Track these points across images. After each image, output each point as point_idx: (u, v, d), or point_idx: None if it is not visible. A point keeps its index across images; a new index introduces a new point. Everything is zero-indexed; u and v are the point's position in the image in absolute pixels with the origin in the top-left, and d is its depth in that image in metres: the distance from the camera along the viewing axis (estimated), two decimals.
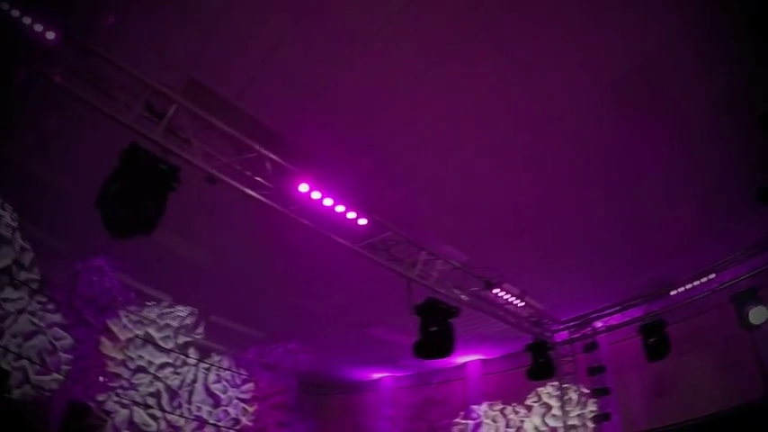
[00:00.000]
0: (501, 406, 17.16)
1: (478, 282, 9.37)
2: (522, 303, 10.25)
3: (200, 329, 20.62)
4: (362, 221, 8.18)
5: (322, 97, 8.22)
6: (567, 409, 14.77)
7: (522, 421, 16.33)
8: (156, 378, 23.27)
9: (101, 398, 22.19)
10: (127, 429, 22.09)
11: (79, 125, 9.56)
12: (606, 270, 12.13)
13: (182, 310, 19.18)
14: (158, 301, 19.00)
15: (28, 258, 20.15)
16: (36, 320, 21.45)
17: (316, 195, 7.86)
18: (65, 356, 21.69)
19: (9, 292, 21.07)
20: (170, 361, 23.59)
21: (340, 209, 8.04)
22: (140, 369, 23.06)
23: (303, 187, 7.76)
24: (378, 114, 8.46)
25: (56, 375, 21.55)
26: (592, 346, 13.04)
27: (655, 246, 11.32)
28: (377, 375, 22.30)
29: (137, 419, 22.24)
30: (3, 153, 11.97)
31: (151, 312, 20.32)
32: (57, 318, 21.61)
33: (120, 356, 22.88)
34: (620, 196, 9.78)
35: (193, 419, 23.37)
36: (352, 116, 8.52)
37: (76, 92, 6.66)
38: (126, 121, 6.72)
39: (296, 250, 11.12)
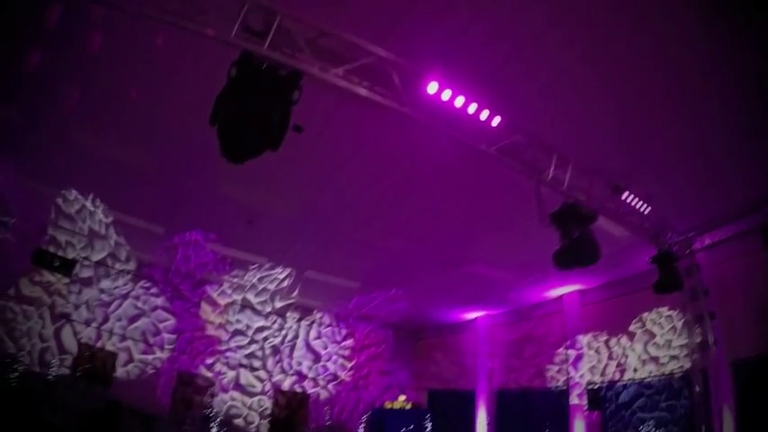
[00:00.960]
0: (602, 336, 16.60)
1: (606, 187, 8.75)
2: (648, 210, 9.47)
3: (296, 288, 20.83)
4: (496, 121, 7.62)
5: None
6: (670, 337, 14.29)
7: (625, 351, 15.71)
8: (257, 340, 23.88)
9: (208, 361, 23.11)
10: (234, 390, 22.84)
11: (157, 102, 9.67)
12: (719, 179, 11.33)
13: (279, 272, 19.26)
14: (254, 266, 19.09)
15: (123, 251, 21.13)
16: (140, 304, 22.42)
17: (446, 95, 7.31)
18: (168, 336, 22.62)
19: (111, 280, 22.25)
20: (267, 324, 24.10)
21: (472, 108, 7.46)
22: (240, 332, 23.68)
23: (432, 87, 7.20)
24: None
25: (158, 354, 22.51)
26: (694, 269, 12.21)
27: None
28: (472, 315, 22.04)
29: (243, 381, 22.94)
30: (80, 143, 12.14)
31: (248, 277, 20.62)
32: (159, 301, 22.51)
33: (220, 323, 23.54)
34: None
35: (294, 375, 23.90)
36: None
37: (169, 19, 6.31)
38: (229, 39, 6.35)
39: (400, 184, 10.81)
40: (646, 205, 9.34)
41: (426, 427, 19.42)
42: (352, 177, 10.84)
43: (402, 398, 23.30)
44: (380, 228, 13.20)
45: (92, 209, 17.10)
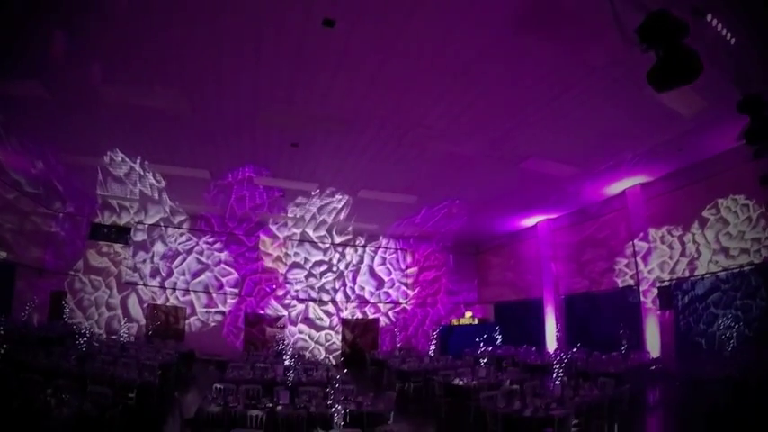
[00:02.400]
0: (670, 230, 15.76)
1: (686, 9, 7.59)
2: (734, 40, 8.19)
3: (353, 214, 20.53)
4: None
5: None
6: (744, 229, 13.43)
7: (695, 244, 14.85)
8: (318, 273, 24.00)
9: (273, 300, 23.42)
10: (301, 323, 23.15)
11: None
12: None
13: (335, 200, 18.86)
14: (308, 198, 18.70)
15: (176, 207, 21.50)
16: (203, 259, 22.75)
17: None
18: (231, 282, 22.95)
19: (168, 238, 22.71)
20: (325, 258, 24.14)
21: None
22: (301, 266, 23.83)
23: None
24: None
25: (220, 307, 22.93)
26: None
27: None
28: (533, 221, 21.50)
29: (311, 314, 23.19)
30: (113, 102, 11.81)
31: (304, 210, 20.39)
32: (219, 250, 22.86)
33: (280, 259, 23.70)
34: None
35: (359, 303, 23.99)
36: None
37: None
38: None
39: (448, 78, 10.06)
40: (731, 35, 8.06)
41: (496, 340, 19.08)
42: (395, 75, 10.05)
43: (468, 314, 23.22)
44: (432, 131, 12.38)
45: (139, 169, 16.86)
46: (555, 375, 10.80)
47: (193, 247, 23.11)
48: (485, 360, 14.41)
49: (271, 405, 8.54)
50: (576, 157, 13.88)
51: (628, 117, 11.28)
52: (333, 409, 6.93)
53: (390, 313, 24.43)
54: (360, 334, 24.04)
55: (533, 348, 19.76)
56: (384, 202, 18.54)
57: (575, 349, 13.82)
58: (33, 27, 8.95)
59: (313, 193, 18.23)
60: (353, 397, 9.17)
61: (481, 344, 16.77)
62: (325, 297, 23.85)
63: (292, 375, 11.65)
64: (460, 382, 12.22)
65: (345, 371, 13.75)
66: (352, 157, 14.26)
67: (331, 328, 23.73)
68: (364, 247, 24.70)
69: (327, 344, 23.32)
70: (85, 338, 14.73)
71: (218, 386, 9.95)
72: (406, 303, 24.67)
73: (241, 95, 10.96)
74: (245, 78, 10.28)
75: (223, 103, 11.39)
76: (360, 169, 15.25)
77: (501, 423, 8.21)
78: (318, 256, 24.12)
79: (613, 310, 17.63)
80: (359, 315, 24.12)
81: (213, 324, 22.77)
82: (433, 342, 20.58)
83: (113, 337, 20.18)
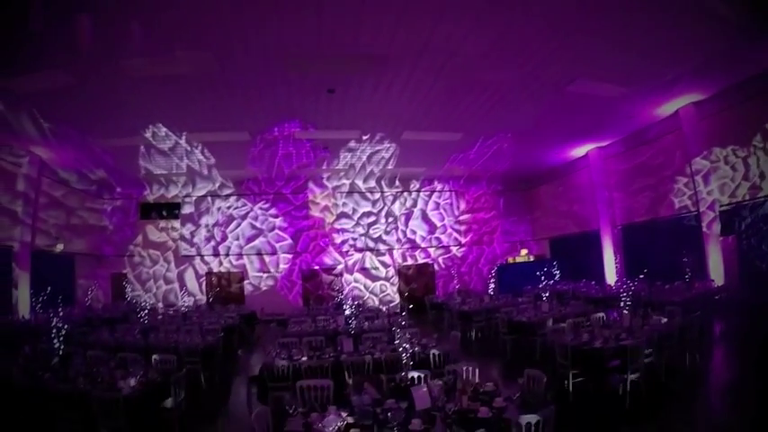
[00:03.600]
0: (729, 151, 14.91)
1: None
2: None
3: (399, 160, 20.29)
4: None
5: None
6: None
7: (759, 164, 14.00)
8: (367, 224, 24.02)
9: (327, 254, 23.60)
10: (359, 272, 23.34)
11: None
12: None
13: (381, 146, 18.59)
14: (352, 148, 18.48)
15: (221, 174, 21.62)
16: (257, 224, 23.02)
17: None
18: (285, 249, 23.20)
19: (217, 208, 23.07)
20: (373, 211, 24.07)
21: None
22: (350, 216, 23.89)
23: None
24: None
25: (276, 268, 23.25)
26: None
27: None
28: (583, 150, 20.69)
29: (368, 264, 23.33)
30: (143, 77, 11.76)
31: (350, 160, 20.28)
32: (277, 221, 23.08)
33: (330, 212, 23.79)
34: None
35: (410, 245, 23.97)
36: None
37: None
38: None
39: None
40: None
41: (554, 276, 18.72)
42: (426, 1, 9.54)
43: (524, 252, 22.95)
44: (470, 61, 11.69)
45: (180, 142, 16.89)
46: (622, 305, 10.53)
47: (248, 213, 23.38)
48: (546, 295, 14.14)
49: (334, 354, 8.50)
50: (624, 76, 13.04)
51: (678, 26, 10.50)
52: (399, 351, 6.79)
53: (445, 257, 24.31)
54: (416, 279, 24.07)
55: (592, 282, 19.35)
56: (428, 143, 18.05)
57: (639, 279, 13.35)
58: (50, 15, 8.82)
59: (356, 141, 17.86)
60: (417, 340, 9.05)
61: (544, 279, 16.48)
62: (382, 247, 23.84)
63: (354, 323, 11.67)
64: (524, 319, 12.03)
65: (404, 314, 13.74)
66: (391, 97, 13.76)
67: (387, 279, 23.77)
68: (418, 191, 24.54)
69: (382, 294, 23.39)
70: (147, 312, 15.09)
71: (281, 341, 9.96)
72: (459, 247, 24.48)
73: (268, 45, 10.57)
74: (269, 26, 9.90)
75: (251, 56, 11.04)
76: (400, 110, 14.74)
77: (570, 356, 7.95)
78: (368, 206, 24.08)
79: (673, 239, 17.04)
80: (414, 260, 24.09)
81: (270, 284, 23.17)
82: (492, 282, 20.39)
83: (173, 308, 20.73)
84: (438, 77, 12.50)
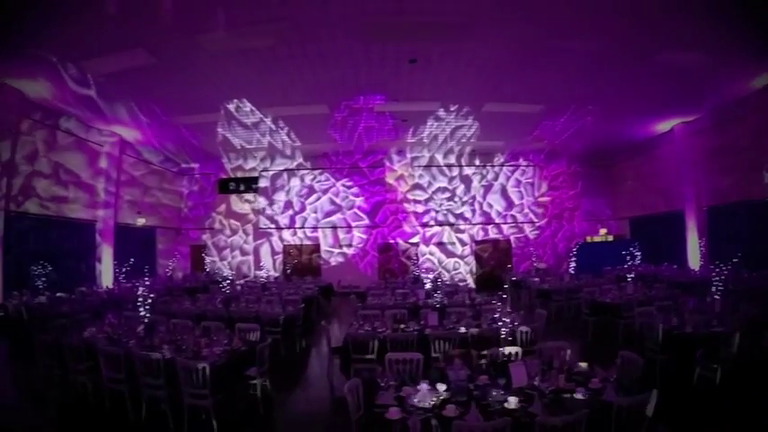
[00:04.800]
0: None
1: None
2: None
3: (479, 133, 20.05)
4: None
5: None
6: None
7: None
8: (444, 199, 23.94)
9: (404, 228, 23.72)
10: (434, 245, 23.37)
11: None
12: None
13: (464, 122, 18.41)
14: (431, 122, 18.35)
15: (300, 148, 22.04)
16: (337, 200, 23.36)
17: None
18: (362, 222, 23.43)
19: (296, 182, 23.67)
20: (449, 186, 23.98)
21: None
22: (424, 188, 23.89)
23: None
24: None
25: (344, 249, 23.52)
26: None
27: None
28: (667, 125, 19.66)
29: (445, 239, 23.34)
30: (218, 51, 11.91)
31: (430, 133, 20.18)
32: (359, 201, 23.35)
33: (408, 186, 23.86)
34: None
35: (483, 219, 23.77)
36: None
37: None
38: None
39: None
40: None
41: (635, 256, 18.14)
42: None
43: (603, 231, 22.40)
44: (554, 28, 11.17)
45: (259, 116, 17.20)
46: (714, 290, 10.15)
47: (329, 188, 23.72)
48: (631, 276, 13.75)
49: (418, 327, 8.53)
50: (715, 45, 12.14)
51: None
52: (485, 326, 6.74)
53: (521, 234, 23.98)
54: (491, 255, 23.91)
55: (674, 266, 18.65)
56: (510, 115, 17.56)
57: (731, 264, 12.61)
58: None
59: (437, 114, 17.59)
60: (501, 316, 8.96)
61: (630, 260, 15.96)
62: (461, 224, 23.75)
63: (440, 297, 11.60)
64: (607, 300, 11.76)
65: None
66: (474, 67, 13.40)
67: (461, 257, 23.67)
68: (497, 166, 24.17)
69: (454, 271, 23.29)
70: (229, 282, 15.55)
71: (362, 313, 10.06)
72: (535, 224, 24.09)
73: (348, 14, 10.42)
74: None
75: (331, 26, 10.93)
76: (483, 80, 14.34)
77: (659, 340, 7.72)
78: (446, 181, 23.95)
79: (765, 223, 16.02)
80: (490, 236, 23.89)
81: (346, 257, 23.50)
82: (573, 260, 20.01)
83: (251, 279, 21.35)
84: (522, 46, 12.04)
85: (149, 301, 8.75)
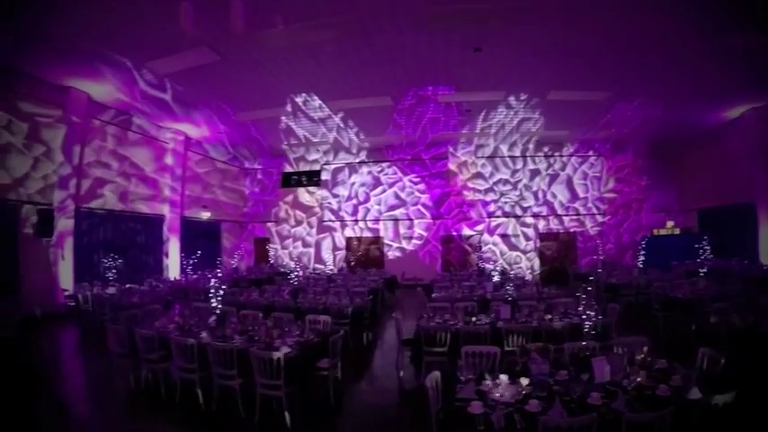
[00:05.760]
0: None
1: None
2: None
3: (543, 124, 19.81)
4: None
5: None
6: None
7: None
8: (508, 190, 23.80)
9: (468, 220, 23.69)
10: (498, 236, 23.26)
11: None
12: None
13: (528, 112, 18.22)
14: (496, 107, 18.10)
15: (363, 141, 22.46)
16: (402, 195, 23.81)
17: None
18: (420, 231, 23.50)
19: (358, 175, 23.98)
20: (510, 179, 23.79)
21: None
22: (486, 179, 23.78)
23: None
24: None
25: (406, 243, 23.61)
26: None
27: None
28: (737, 111, 18.69)
29: (509, 230, 23.20)
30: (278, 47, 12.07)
31: (494, 124, 20.05)
32: (424, 198, 23.57)
33: (471, 177, 23.80)
34: None
35: (548, 211, 23.46)
36: None
37: None
38: None
39: None
40: None
41: (705, 250, 17.58)
42: None
43: (670, 224, 21.80)
44: (625, 10, 10.75)
45: (322, 110, 17.44)
46: None
47: (395, 182, 23.88)
48: (703, 271, 13.38)
49: (489, 320, 8.54)
50: None
51: None
52: (559, 322, 6.71)
53: (586, 227, 23.58)
54: (556, 248, 23.63)
55: (745, 261, 17.97)
56: (575, 103, 17.17)
57: None
58: None
59: (501, 103, 17.47)
60: (573, 310, 8.92)
61: (702, 254, 15.52)
62: (527, 218, 23.55)
63: (511, 290, 11.47)
64: (679, 295, 11.48)
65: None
66: (538, 54, 13.15)
67: (523, 251, 23.48)
68: (564, 156, 23.81)
69: (515, 265, 23.10)
70: (298, 273, 15.84)
71: (431, 305, 10.10)
72: (601, 217, 23.65)
73: (412, 6, 10.46)
74: None
75: (395, 15, 10.92)
76: (547, 67, 14.08)
77: (736, 338, 7.50)
78: (508, 173, 23.74)
79: None
80: (553, 229, 23.60)
81: (410, 249, 23.62)
82: (641, 254, 19.56)
83: (312, 271, 21.76)
84: (588, 30, 11.69)
85: (221, 292, 8.90)
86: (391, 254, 23.69)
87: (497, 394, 4.55)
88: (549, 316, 8.61)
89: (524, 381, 4.80)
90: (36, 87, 13.93)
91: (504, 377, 4.92)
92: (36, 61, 12.87)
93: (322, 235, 24.31)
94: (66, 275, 14.77)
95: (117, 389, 8.00)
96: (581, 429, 3.78)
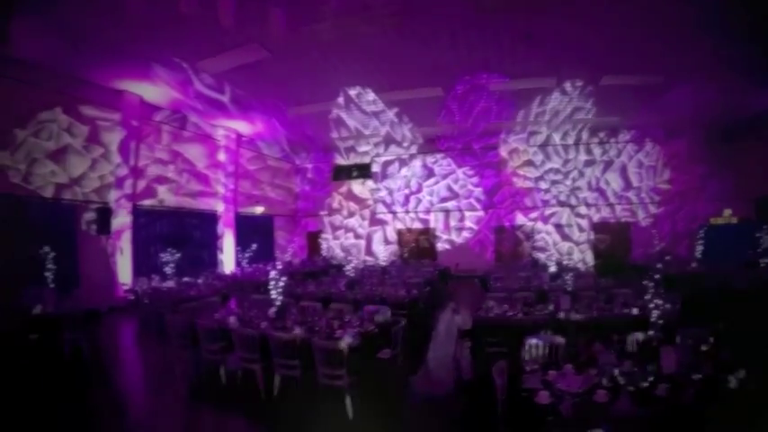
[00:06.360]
0: None
1: None
2: None
3: (595, 110, 19.48)
4: None
5: None
6: None
7: None
8: (561, 180, 23.52)
9: (521, 210, 23.58)
10: (551, 225, 23.07)
11: None
12: None
13: (581, 99, 17.95)
14: (548, 94, 17.85)
15: (413, 133, 22.40)
16: (456, 187, 23.84)
17: None
18: (471, 224, 23.49)
19: (408, 168, 24.04)
20: (561, 168, 23.49)
21: None
22: (537, 167, 23.60)
23: None
24: None
25: (458, 234, 23.62)
26: None
27: None
28: None
29: (563, 222, 23.01)
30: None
31: (546, 115, 19.86)
32: (474, 180, 23.49)
33: (524, 167, 23.63)
34: None
35: (602, 200, 23.11)
36: None
37: None
38: None
39: None
40: None
41: (763, 242, 16.95)
42: None
43: (727, 212, 21.15)
44: None
45: (373, 102, 17.55)
46: None
47: (449, 174, 23.96)
48: (766, 262, 13.02)
49: (549, 311, 8.55)
50: None
51: None
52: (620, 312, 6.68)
53: (640, 217, 23.13)
54: (610, 240, 23.28)
55: None
56: (628, 88, 16.61)
57: None
58: None
59: (553, 90, 17.13)
60: (633, 301, 8.85)
61: (761, 243, 15.11)
62: (581, 209, 23.31)
63: (570, 280, 11.27)
64: (740, 287, 11.26)
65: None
66: (591, 37, 12.71)
67: (576, 243, 23.23)
68: (618, 143, 23.32)
69: (567, 256, 22.79)
70: (353, 265, 16.03)
71: (491, 295, 10.08)
72: (655, 209, 23.15)
73: None
74: None
75: (445, 3, 10.79)
76: (602, 51, 13.65)
77: None
78: (561, 162, 23.47)
79: None
80: (607, 218, 23.23)
81: (461, 241, 23.65)
82: (700, 244, 19.11)
83: (367, 263, 22.03)
84: (642, 9, 11.22)
85: (281, 284, 9.02)
86: (440, 245, 23.67)
87: (564, 384, 4.57)
88: (610, 306, 8.57)
89: (590, 371, 4.83)
90: (94, 92, 14.51)
91: (569, 367, 4.94)
92: (92, 67, 13.39)
93: (374, 228, 24.47)
94: (124, 270, 15.29)
95: (177, 378, 8.26)
96: (649, 421, 3.81)
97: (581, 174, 23.18)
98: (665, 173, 22.84)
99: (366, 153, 24.67)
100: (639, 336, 6.17)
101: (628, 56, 13.94)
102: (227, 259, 20.21)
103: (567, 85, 16.55)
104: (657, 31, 12.34)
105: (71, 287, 12.81)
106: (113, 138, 15.17)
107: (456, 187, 23.70)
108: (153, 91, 15.33)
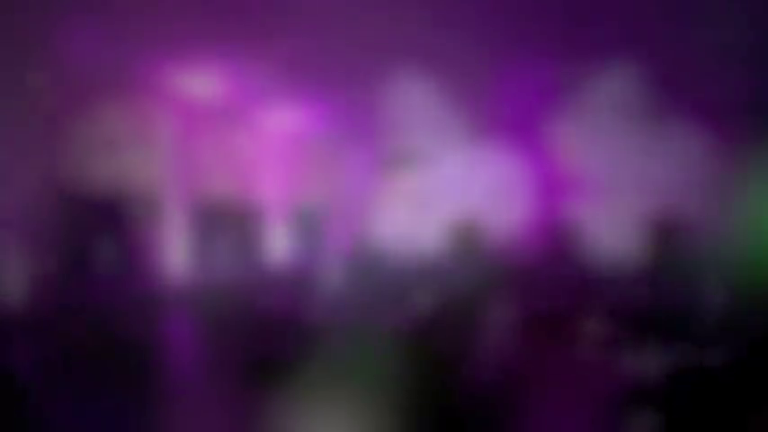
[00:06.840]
0: None
1: None
2: None
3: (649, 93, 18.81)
4: None
5: None
6: None
7: None
8: (614, 168, 22.86)
9: (569, 200, 22.94)
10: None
11: None
12: None
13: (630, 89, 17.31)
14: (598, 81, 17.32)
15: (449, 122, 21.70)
16: (498, 180, 23.25)
17: None
18: (519, 190, 23.05)
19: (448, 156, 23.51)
20: (614, 156, 22.76)
21: None
22: (594, 159, 22.94)
23: None
24: None
25: (506, 216, 23.14)
26: None
27: None
28: None
29: (611, 213, 22.42)
30: None
31: (598, 95, 19.29)
32: (503, 157, 23.08)
33: (571, 154, 23.04)
34: None
35: (660, 204, 22.32)
36: None
37: None
38: None
39: None
40: None
41: None
42: None
43: None
44: None
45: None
46: None
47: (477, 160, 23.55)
48: None
49: None
50: None
51: None
52: None
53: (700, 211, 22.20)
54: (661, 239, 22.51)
55: None
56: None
57: None
58: None
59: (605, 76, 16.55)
60: None
61: None
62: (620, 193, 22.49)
63: None
64: None
65: None
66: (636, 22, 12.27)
67: (627, 239, 22.41)
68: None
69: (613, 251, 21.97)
70: None
71: None
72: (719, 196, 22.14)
73: None
74: None
75: None
76: (647, 36, 13.09)
77: None
78: (608, 149, 22.61)
79: None
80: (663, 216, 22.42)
81: (511, 233, 23.20)
82: None
83: None
84: None
85: None
86: None
87: None
88: None
89: None
90: (148, 85, 14.55)
91: None
92: (145, 60, 13.44)
93: None
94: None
95: None
96: None
97: (637, 162, 22.37)
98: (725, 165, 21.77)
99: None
100: None
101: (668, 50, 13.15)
102: None
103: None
104: None
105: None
106: (164, 131, 15.17)
107: None
108: (205, 82, 15.24)
